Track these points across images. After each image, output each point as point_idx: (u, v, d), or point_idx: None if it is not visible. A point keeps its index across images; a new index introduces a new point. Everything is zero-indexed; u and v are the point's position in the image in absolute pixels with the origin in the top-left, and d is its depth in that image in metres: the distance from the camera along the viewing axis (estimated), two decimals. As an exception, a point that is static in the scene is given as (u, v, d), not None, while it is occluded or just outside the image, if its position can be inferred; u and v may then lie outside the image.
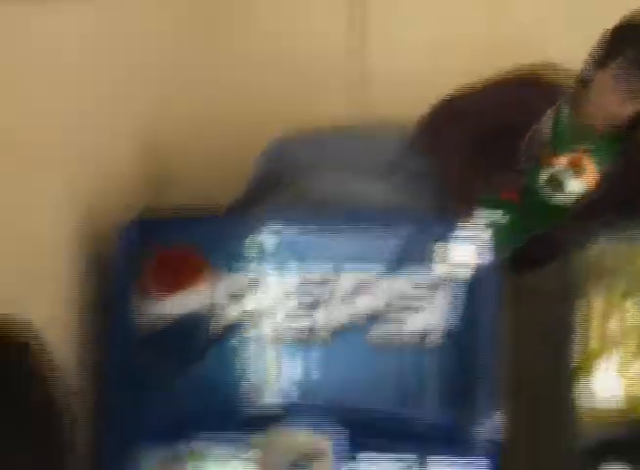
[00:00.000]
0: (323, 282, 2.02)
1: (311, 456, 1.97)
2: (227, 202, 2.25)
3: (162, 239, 2.13)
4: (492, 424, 1.96)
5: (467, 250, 2.00)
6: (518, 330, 1.96)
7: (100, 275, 2.24)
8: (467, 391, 1.99)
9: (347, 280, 2.02)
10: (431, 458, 1.97)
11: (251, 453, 2.01)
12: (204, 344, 2.07)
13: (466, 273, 2.00)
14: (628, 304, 2.00)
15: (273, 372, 2.03)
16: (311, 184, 2.19)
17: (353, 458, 1.97)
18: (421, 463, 1.96)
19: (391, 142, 2.28)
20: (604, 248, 2.01)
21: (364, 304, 2.01)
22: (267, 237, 2.07)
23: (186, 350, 2.08)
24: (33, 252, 2.00)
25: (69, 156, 2.16)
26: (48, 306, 2.07)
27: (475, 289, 2.00)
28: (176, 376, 2.07)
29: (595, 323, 1.99)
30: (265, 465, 2.00)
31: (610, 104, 2.19)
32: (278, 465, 1.99)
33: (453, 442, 1.96)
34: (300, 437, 1.99)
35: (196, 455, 2.04)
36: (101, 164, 2.31)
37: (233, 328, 2.05)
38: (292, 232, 2.06)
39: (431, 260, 2.00)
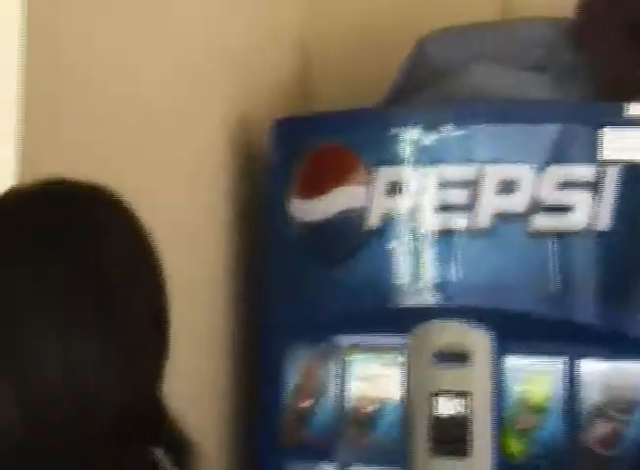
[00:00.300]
0: (475, 177, 1.91)
1: (462, 352, 1.89)
2: (376, 99, 2.15)
3: (314, 138, 2.07)
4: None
5: (631, 138, 1.84)
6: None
7: (254, 177, 2.21)
8: (626, 289, 1.84)
9: (501, 174, 1.90)
10: (583, 360, 1.83)
11: (400, 350, 1.94)
12: (355, 242, 2.00)
13: (630, 164, 1.85)
14: None
15: (423, 269, 1.95)
16: (460, 80, 2.06)
17: (502, 360, 1.87)
18: (573, 365, 1.83)
19: (544, 33, 2.11)
20: None
21: (519, 198, 1.88)
22: (416, 133, 1.97)
23: (338, 248, 2.03)
24: (190, 157, 1.97)
25: (227, 61, 2.12)
26: (204, 210, 2.05)
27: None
28: (329, 274, 2.02)
29: None
30: (415, 361, 1.93)
31: None
32: (428, 361, 1.91)
33: (608, 343, 1.82)
34: (451, 333, 1.91)
35: (346, 352, 2.00)
36: (254, 67, 2.27)
37: (384, 225, 1.98)
38: (441, 127, 1.95)
39: (593, 150, 1.85)
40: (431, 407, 1.89)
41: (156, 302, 1.01)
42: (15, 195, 0.98)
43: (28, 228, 0.94)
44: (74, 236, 0.95)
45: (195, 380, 1.98)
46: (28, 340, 0.91)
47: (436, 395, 1.90)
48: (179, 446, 0.97)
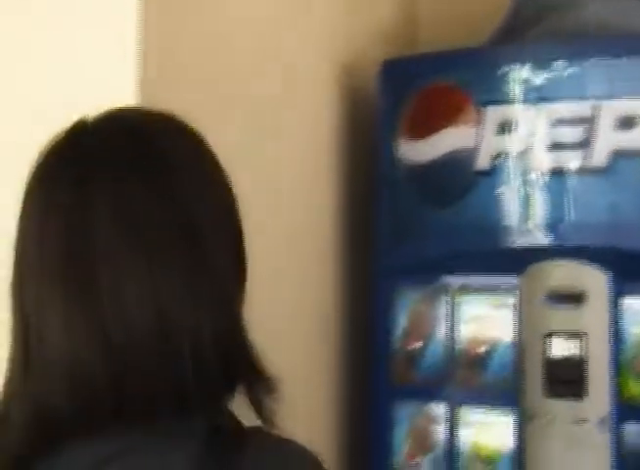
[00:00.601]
0: (590, 114, 1.79)
1: (577, 293, 1.78)
2: (485, 38, 2.03)
3: (422, 78, 1.98)
4: None
5: None
6: None
7: (362, 120, 2.12)
8: None
9: (618, 110, 1.77)
10: None
11: (511, 290, 1.86)
12: (465, 182, 1.90)
13: None
14: None
15: (535, 209, 1.85)
16: (573, 13, 1.94)
17: (619, 301, 1.76)
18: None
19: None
20: None
21: (639, 134, 1.75)
22: (527, 71, 1.85)
23: (447, 189, 1.94)
24: (297, 102, 1.90)
25: (333, 5, 2.04)
26: (311, 154, 1.98)
27: None
28: (438, 215, 1.93)
29: None
30: (527, 302, 1.84)
31: None
32: (541, 302, 1.82)
33: None
34: (566, 273, 1.81)
35: (456, 293, 1.92)
36: (361, 11, 2.18)
37: (494, 166, 1.88)
38: (553, 64, 1.83)
39: None
40: (544, 348, 1.81)
41: (231, 228, 0.93)
42: (85, 123, 0.91)
43: (103, 155, 0.88)
44: (148, 163, 0.88)
45: (306, 326, 1.93)
46: (109, 268, 0.84)
47: (550, 336, 1.81)
48: (259, 384, 0.89)
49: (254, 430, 0.87)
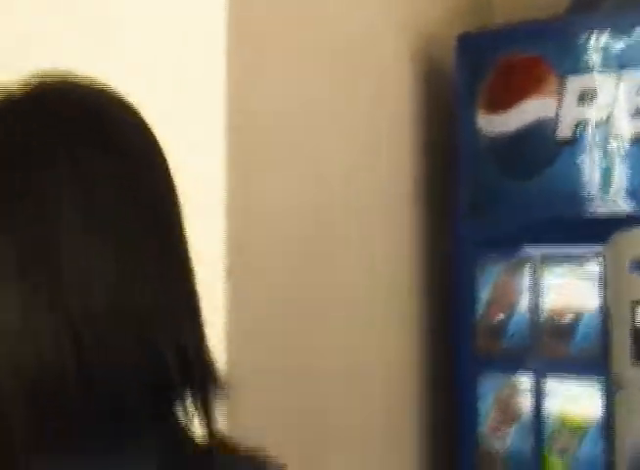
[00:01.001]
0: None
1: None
2: (561, 8, 1.98)
3: (500, 50, 1.94)
4: None
5: None
6: None
7: (439, 93, 2.09)
8: None
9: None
10: None
11: (596, 259, 1.81)
12: (547, 152, 1.86)
13: None
14: None
15: (618, 177, 1.80)
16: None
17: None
18: None
19: None
20: None
21: None
22: (607, 38, 1.80)
23: (529, 159, 1.89)
24: (376, 73, 1.86)
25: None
26: (391, 122, 1.96)
27: None
28: (520, 186, 1.89)
29: None
30: (613, 270, 1.79)
31: None
32: (628, 269, 1.76)
33: None
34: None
35: (540, 263, 1.88)
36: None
37: (576, 135, 1.82)
38: (634, 30, 1.77)
39: None
40: (632, 317, 1.76)
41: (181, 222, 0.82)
42: (17, 96, 0.78)
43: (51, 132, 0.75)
44: (107, 145, 0.77)
45: (390, 298, 1.91)
46: (68, 244, 0.72)
47: (638, 303, 1.75)
48: (208, 385, 0.79)
49: (217, 444, 0.78)
